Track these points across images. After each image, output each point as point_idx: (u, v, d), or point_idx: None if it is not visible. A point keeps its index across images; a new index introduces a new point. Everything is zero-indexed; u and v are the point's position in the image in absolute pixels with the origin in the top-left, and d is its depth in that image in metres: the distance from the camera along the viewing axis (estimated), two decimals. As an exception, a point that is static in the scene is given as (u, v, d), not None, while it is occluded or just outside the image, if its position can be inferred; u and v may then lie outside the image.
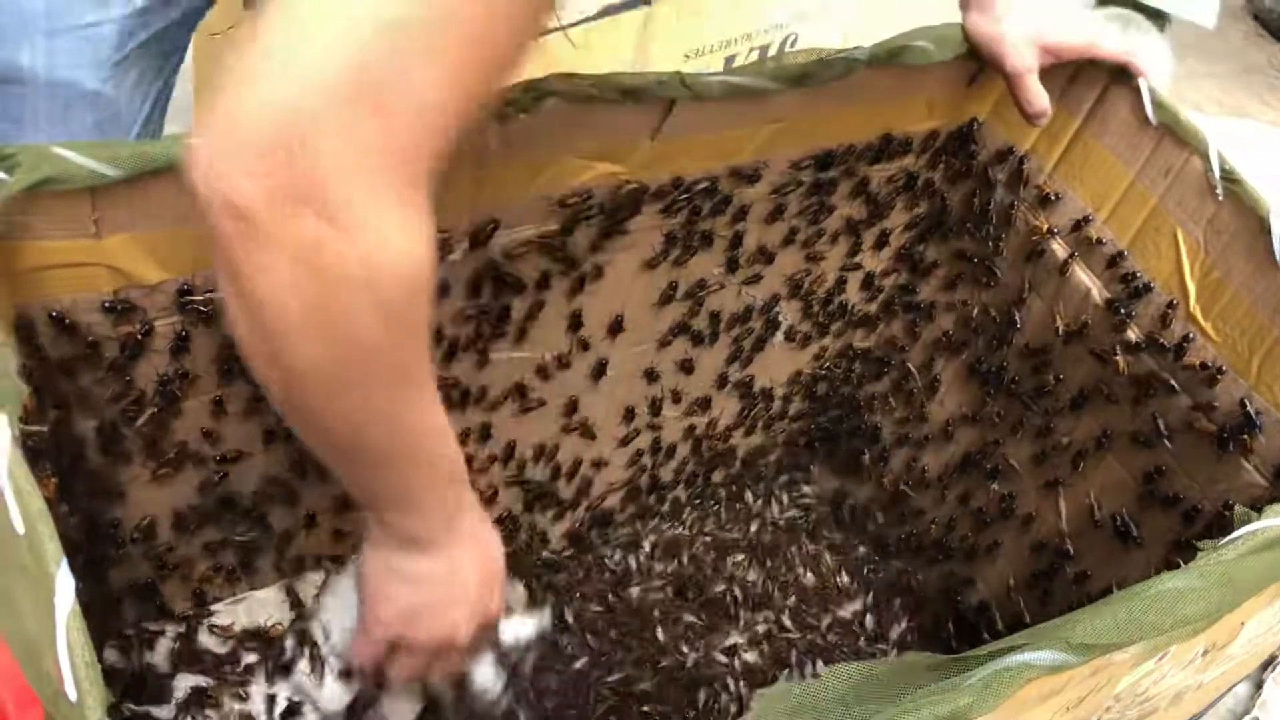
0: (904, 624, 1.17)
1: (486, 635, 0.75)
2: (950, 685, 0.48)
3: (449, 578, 0.68)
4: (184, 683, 0.89)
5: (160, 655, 0.91)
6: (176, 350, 0.75)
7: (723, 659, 1.09)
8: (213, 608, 0.95)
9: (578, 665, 1.06)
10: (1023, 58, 0.88)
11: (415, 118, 0.47)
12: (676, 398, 1.09)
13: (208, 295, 0.72)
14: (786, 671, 1.08)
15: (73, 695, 0.41)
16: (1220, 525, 0.76)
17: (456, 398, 0.93)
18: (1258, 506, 0.68)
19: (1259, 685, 1.34)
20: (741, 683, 1.07)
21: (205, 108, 0.46)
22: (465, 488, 0.67)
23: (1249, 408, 0.84)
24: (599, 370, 0.99)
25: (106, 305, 0.69)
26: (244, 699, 0.90)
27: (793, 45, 1.48)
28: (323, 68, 0.45)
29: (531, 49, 0.51)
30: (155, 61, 0.84)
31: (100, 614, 0.85)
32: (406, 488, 0.62)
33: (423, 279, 0.50)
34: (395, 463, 0.60)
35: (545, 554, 1.14)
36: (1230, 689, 0.85)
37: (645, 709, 1.04)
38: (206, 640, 0.94)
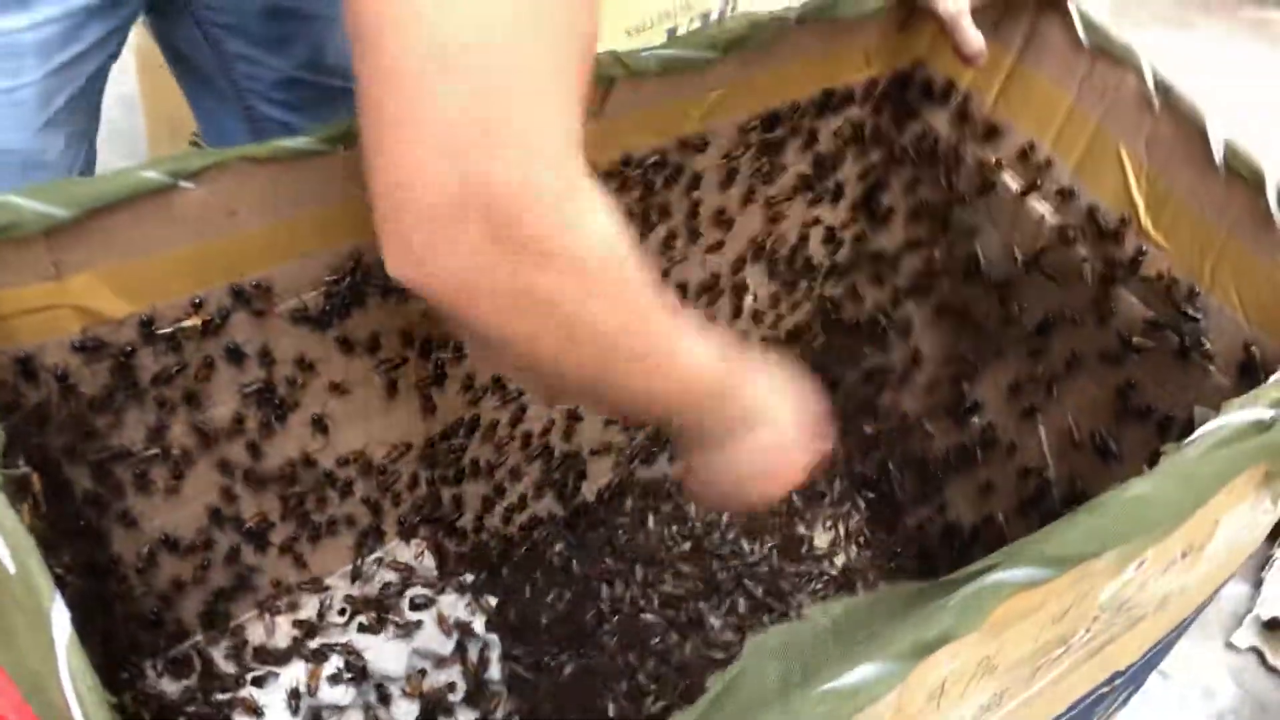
0: (892, 563, 1.19)
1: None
2: (931, 611, 0.49)
3: (768, 443, 0.71)
4: (193, 705, 0.91)
5: (168, 681, 0.93)
6: (154, 380, 0.76)
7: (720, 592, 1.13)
8: (218, 631, 0.96)
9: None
10: (955, 0, 0.90)
11: (549, 126, 0.48)
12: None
13: (176, 324, 0.73)
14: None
15: None
16: (1193, 430, 0.78)
17: (436, 389, 0.94)
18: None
19: (1258, 585, 1.36)
20: (741, 601, 1.12)
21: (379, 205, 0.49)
22: (736, 379, 0.68)
23: (1185, 307, 0.86)
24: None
25: (76, 345, 0.70)
26: (259, 714, 0.92)
27: (734, 10, 1.48)
28: (445, 118, 0.46)
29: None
30: (81, 120, 0.83)
31: (106, 649, 0.86)
32: (698, 424, 0.68)
33: (614, 247, 0.54)
34: (670, 412, 0.65)
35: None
36: (1217, 590, 0.87)
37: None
38: (216, 662, 0.95)
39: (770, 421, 0.71)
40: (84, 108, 0.82)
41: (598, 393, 0.62)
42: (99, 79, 0.83)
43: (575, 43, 0.49)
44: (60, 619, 0.43)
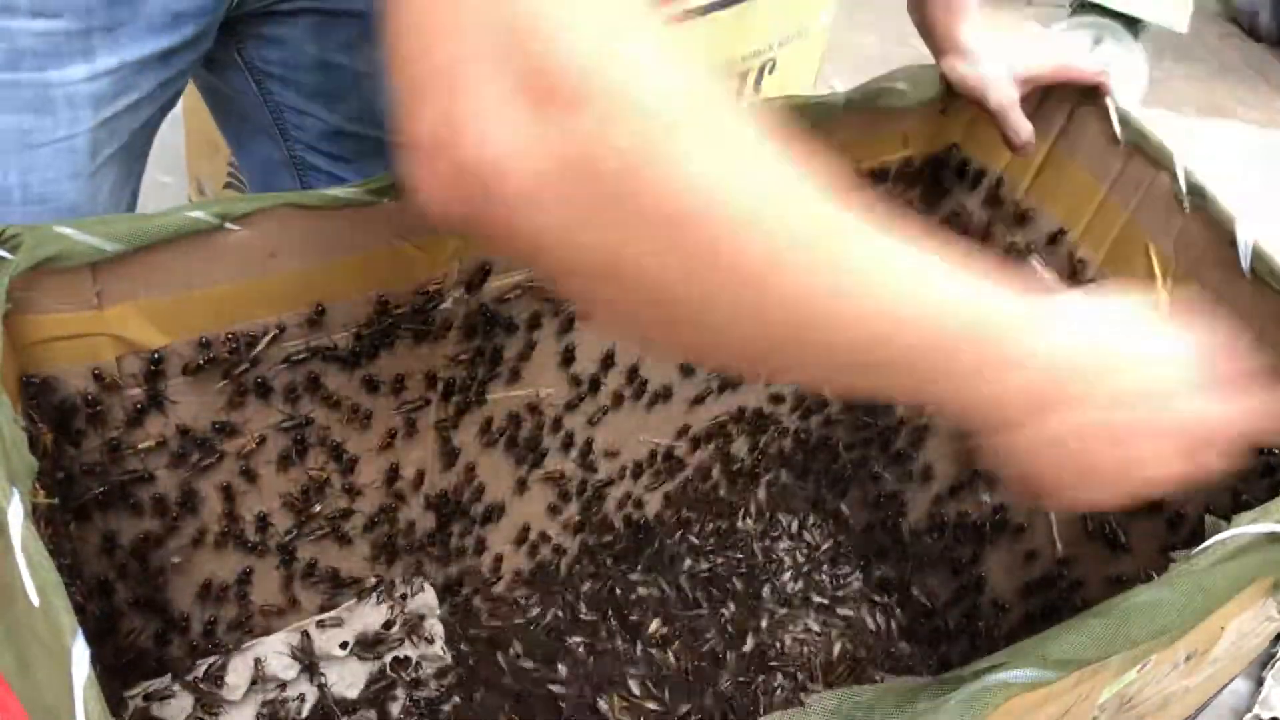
0: (898, 635, 1.19)
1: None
2: (930, 709, 0.50)
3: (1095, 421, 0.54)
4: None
5: (175, 703, 0.93)
6: (179, 409, 0.77)
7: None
8: (229, 652, 0.97)
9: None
10: (1005, 93, 0.92)
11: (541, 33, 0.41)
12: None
13: (208, 357, 0.74)
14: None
15: None
16: (1202, 531, 0.78)
17: (454, 430, 0.95)
18: (1235, 511, 0.70)
19: (1259, 682, 1.35)
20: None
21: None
22: (996, 329, 0.52)
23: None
24: (598, 411, 1.02)
25: (107, 371, 0.71)
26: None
27: (771, 72, 1.50)
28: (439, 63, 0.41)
29: None
30: (125, 167, 0.83)
31: (115, 667, 0.87)
32: (915, 383, 0.51)
33: (668, 128, 0.42)
34: (863, 363, 0.49)
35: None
36: (1220, 691, 0.87)
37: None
38: (208, 687, 0.96)
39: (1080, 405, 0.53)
40: (132, 154, 0.83)
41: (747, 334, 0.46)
42: (150, 127, 0.84)
43: None
44: (80, 659, 0.44)
